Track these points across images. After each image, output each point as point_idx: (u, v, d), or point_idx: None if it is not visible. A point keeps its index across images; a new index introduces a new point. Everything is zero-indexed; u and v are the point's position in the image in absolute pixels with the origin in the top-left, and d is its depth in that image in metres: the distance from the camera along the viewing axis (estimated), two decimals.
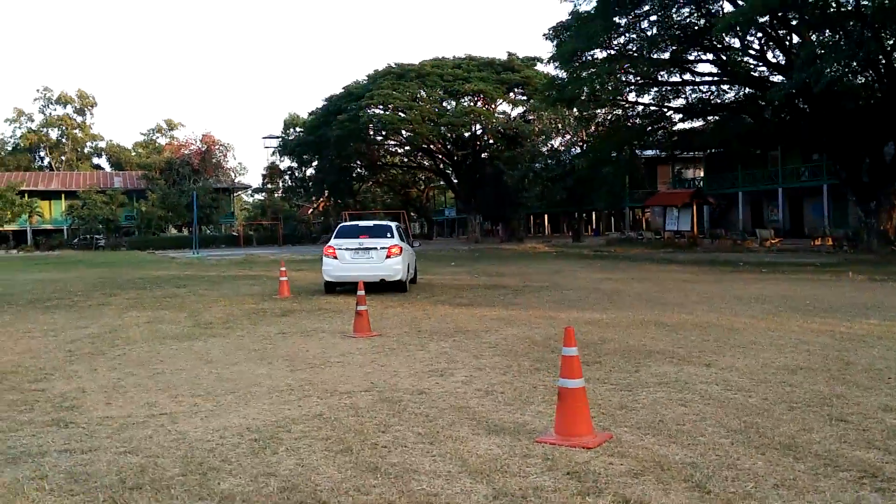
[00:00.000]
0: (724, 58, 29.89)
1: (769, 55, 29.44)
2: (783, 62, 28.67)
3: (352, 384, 6.71)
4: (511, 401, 5.89)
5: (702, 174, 51.81)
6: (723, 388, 6.14)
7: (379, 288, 14.94)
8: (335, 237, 15.90)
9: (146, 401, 6.31)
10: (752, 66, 30.57)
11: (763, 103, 28.83)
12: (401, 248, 15.44)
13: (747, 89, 31.52)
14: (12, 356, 8.75)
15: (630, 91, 33.21)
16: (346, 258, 15.18)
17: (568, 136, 45.91)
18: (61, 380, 7.30)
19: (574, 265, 24.72)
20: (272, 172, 76.44)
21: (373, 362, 7.82)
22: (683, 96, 33.64)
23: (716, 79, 31.97)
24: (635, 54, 29.24)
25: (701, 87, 33.01)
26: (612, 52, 29.29)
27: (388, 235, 15.80)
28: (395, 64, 52.71)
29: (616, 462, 4.32)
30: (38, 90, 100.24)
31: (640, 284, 16.34)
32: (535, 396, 6.02)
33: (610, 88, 30.59)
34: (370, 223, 17.54)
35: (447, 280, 19.21)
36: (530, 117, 50.81)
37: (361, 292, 10.03)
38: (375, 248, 15.17)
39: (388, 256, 15.11)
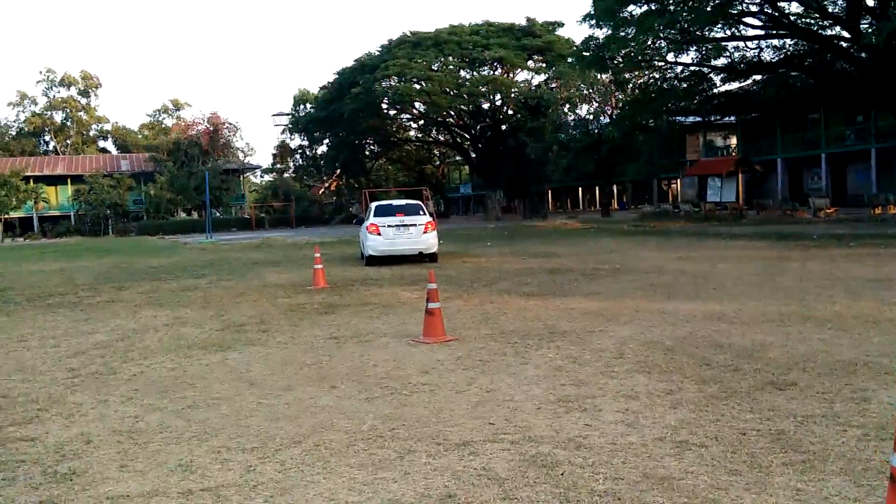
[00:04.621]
0: (775, 9, 27.26)
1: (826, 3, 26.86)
2: (843, 14, 26.17)
3: (464, 427, 4.73)
4: (732, 464, 3.87)
5: (734, 142, 49.23)
6: None
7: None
8: (374, 216, 17.17)
9: (178, 460, 4.38)
10: (804, 17, 27.93)
11: (821, 57, 26.16)
12: (435, 224, 17.52)
13: (802, 44, 28.94)
14: None
15: (669, 51, 30.73)
16: (389, 234, 16.68)
17: (596, 104, 43.39)
18: (59, 419, 5.40)
19: (625, 243, 22.62)
20: (282, 151, 74.46)
21: (471, 384, 5.85)
22: (726, 54, 31.12)
23: (767, 31, 29.28)
24: (677, 7, 26.66)
25: (748, 44, 30.41)
26: (653, 6, 26.76)
27: (421, 213, 17.49)
28: (410, 32, 50.33)
29: None
30: (41, 72, 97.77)
31: (728, 265, 14.22)
32: (761, 455, 4.00)
33: (651, 47, 28.08)
34: (402, 202, 19.04)
35: (494, 263, 17.21)
36: (553, 85, 48.34)
37: (433, 285, 7.81)
38: (415, 224, 16.85)
39: (425, 231, 16.94)
